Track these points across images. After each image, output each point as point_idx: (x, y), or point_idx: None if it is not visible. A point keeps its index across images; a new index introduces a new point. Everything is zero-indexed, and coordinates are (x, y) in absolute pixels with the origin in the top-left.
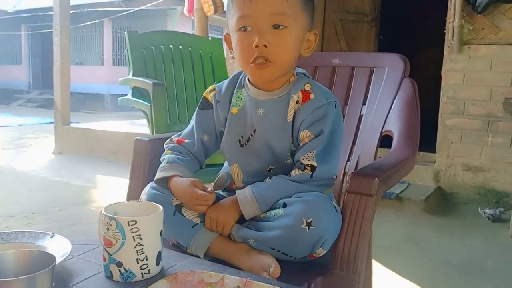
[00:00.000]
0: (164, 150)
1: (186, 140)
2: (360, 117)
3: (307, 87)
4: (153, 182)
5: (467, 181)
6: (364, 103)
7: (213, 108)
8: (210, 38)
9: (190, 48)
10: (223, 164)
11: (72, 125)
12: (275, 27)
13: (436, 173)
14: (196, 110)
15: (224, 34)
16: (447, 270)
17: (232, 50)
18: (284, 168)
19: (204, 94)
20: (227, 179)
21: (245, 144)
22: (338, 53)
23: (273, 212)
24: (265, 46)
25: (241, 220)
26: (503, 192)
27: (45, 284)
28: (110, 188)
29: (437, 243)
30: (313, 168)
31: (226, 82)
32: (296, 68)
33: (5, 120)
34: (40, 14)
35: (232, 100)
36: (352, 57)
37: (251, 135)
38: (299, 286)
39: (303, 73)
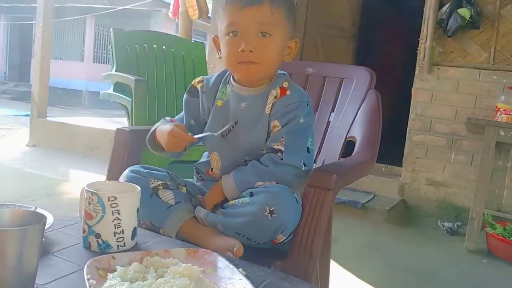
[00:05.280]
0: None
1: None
2: (328, 123)
3: (285, 84)
4: (132, 166)
5: (429, 195)
6: (332, 111)
7: (199, 97)
8: (193, 41)
9: (173, 49)
10: (197, 161)
11: (48, 118)
12: (262, 34)
13: (401, 186)
14: (184, 96)
15: (212, 36)
16: (404, 276)
17: (220, 51)
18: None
19: (192, 83)
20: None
21: (226, 135)
22: (312, 63)
23: (240, 200)
24: (251, 51)
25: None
26: (462, 207)
27: (36, 237)
28: (84, 183)
29: (396, 251)
30: (282, 152)
31: (214, 76)
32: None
33: None
34: (21, 5)
35: (217, 94)
36: (324, 67)
37: (233, 127)
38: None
39: (282, 73)
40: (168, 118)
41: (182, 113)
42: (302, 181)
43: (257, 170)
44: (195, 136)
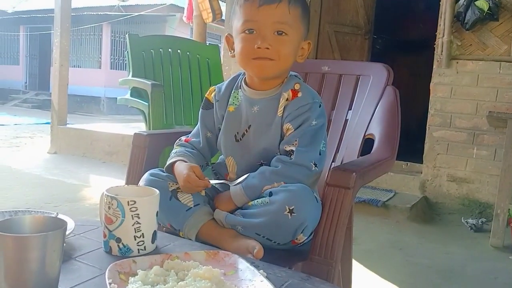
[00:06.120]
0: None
1: (192, 139)
2: (346, 121)
3: (297, 86)
4: (151, 170)
5: (452, 191)
6: (350, 108)
7: (213, 108)
8: (208, 44)
9: (188, 53)
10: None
11: (68, 125)
12: (278, 33)
13: (422, 183)
14: (199, 111)
15: (226, 34)
16: (427, 274)
17: (233, 50)
18: None
19: (206, 95)
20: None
21: (240, 139)
22: (327, 61)
23: (260, 200)
24: (267, 48)
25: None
26: (486, 203)
27: (57, 243)
28: (104, 188)
29: (420, 249)
30: (293, 152)
31: (225, 83)
32: (290, 71)
33: (0, 119)
34: (39, 15)
35: (230, 99)
36: (340, 65)
37: (246, 131)
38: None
39: (294, 75)
40: (183, 138)
41: (197, 127)
42: (311, 182)
43: (265, 173)
44: (211, 182)
